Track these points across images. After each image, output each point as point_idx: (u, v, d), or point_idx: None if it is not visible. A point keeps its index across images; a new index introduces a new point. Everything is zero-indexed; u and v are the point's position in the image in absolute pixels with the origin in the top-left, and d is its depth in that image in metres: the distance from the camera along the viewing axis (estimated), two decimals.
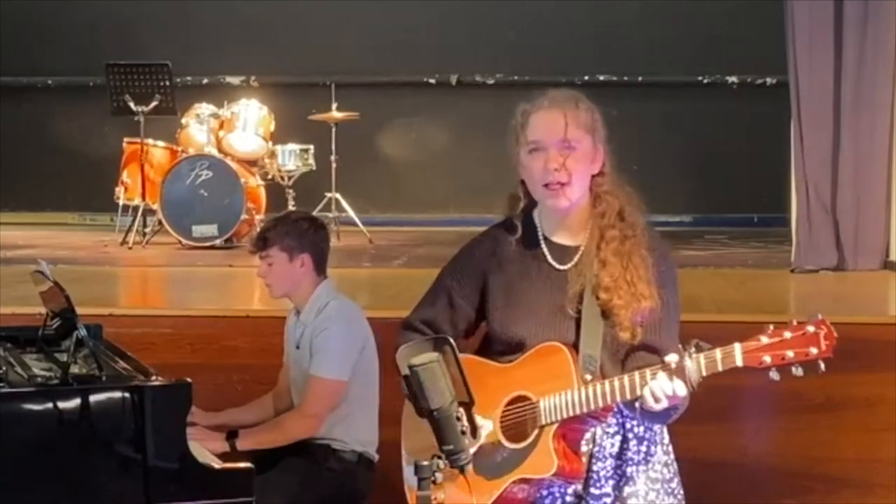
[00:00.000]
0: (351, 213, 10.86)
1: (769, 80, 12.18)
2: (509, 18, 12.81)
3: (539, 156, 3.67)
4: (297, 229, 5.26)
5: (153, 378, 4.21)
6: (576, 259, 3.71)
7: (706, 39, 12.51)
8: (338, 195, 10.84)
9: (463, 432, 3.18)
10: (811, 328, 3.33)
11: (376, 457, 5.27)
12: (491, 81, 12.93)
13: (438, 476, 3.16)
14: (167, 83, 10.61)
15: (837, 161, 8.36)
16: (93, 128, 12.54)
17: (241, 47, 12.74)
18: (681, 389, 3.40)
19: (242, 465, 4.27)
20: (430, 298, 3.91)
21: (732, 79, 12.68)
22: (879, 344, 5.96)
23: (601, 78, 12.46)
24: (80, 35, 12.96)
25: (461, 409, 3.19)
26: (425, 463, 3.15)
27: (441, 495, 3.17)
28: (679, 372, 3.40)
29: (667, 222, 11.98)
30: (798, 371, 3.31)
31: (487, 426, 3.65)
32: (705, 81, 12.69)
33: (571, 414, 3.55)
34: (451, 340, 3.25)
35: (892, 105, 8.33)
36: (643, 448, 3.73)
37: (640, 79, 12.64)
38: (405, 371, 3.21)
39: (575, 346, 3.63)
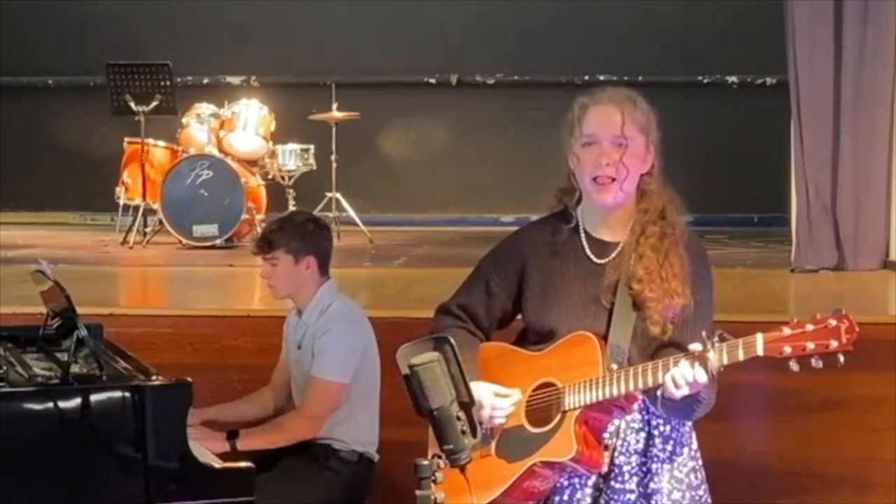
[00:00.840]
0: (351, 212, 10.87)
1: (769, 80, 12.18)
2: (509, 18, 12.80)
3: (593, 149, 3.70)
4: (302, 231, 5.26)
5: (153, 378, 4.22)
6: (614, 254, 3.75)
7: (706, 39, 12.51)
8: (338, 195, 10.85)
9: (463, 432, 3.18)
10: (833, 321, 3.35)
11: (377, 457, 5.28)
12: (491, 81, 12.93)
13: (438, 475, 3.16)
14: (168, 83, 10.62)
15: (837, 161, 8.37)
16: (93, 127, 12.55)
17: (241, 47, 12.74)
18: (701, 376, 3.43)
19: (243, 464, 4.28)
20: (468, 285, 3.94)
21: (732, 78, 12.69)
22: (879, 343, 5.95)
23: (601, 78, 12.42)
24: (80, 35, 12.95)
25: (461, 409, 3.20)
26: (425, 462, 3.15)
27: (441, 495, 3.17)
28: (701, 359, 3.43)
29: None
30: (818, 363, 3.34)
31: (515, 397, 3.70)
32: (705, 81, 12.69)
33: (594, 400, 3.58)
34: (452, 340, 3.24)
35: (892, 105, 8.34)
36: (668, 447, 3.75)
37: (640, 79, 12.61)
38: (405, 371, 3.21)
39: (605, 337, 3.67)
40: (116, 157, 10.94)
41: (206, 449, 4.47)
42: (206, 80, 12.67)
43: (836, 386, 5.94)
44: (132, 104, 10.51)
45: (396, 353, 3.40)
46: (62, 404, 4.03)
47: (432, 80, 13.04)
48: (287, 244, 5.20)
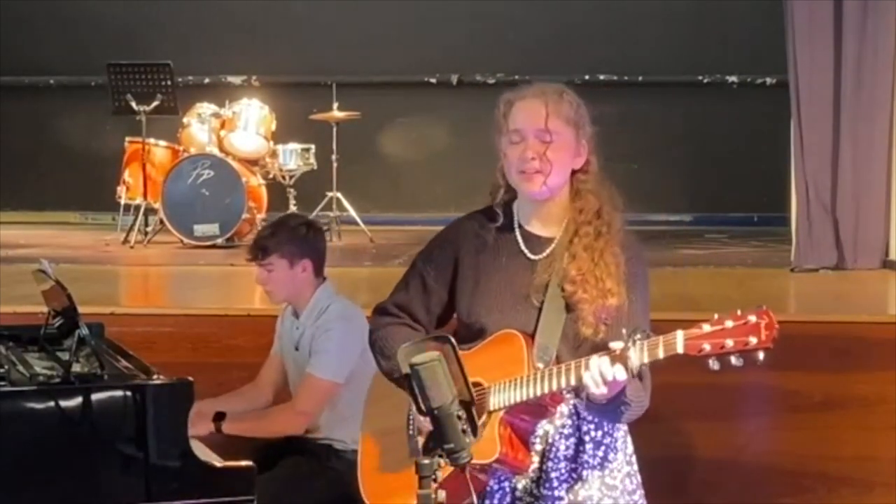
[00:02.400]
0: (352, 212, 10.87)
1: (769, 80, 12.18)
2: (509, 18, 12.81)
3: (519, 145, 3.65)
4: (296, 235, 5.27)
5: (155, 377, 4.23)
6: (548, 250, 3.69)
7: (706, 39, 12.52)
8: (339, 194, 10.85)
9: (464, 431, 3.16)
10: (753, 318, 3.24)
11: None
12: (491, 81, 12.93)
13: (439, 474, 3.16)
14: (169, 83, 10.63)
15: (837, 160, 8.37)
16: (95, 127, 12.55)
17: (242, 47, 12.76)
18: (620, 374, 3.33)
19: (244, 463, 4.27)
20: (403, 283, 3.87)
21: (732, 78, 12.69)
22: (878, 343, 5.97)
23: (601, 77, 12.47)
24: (81, 35, 12.96)
25: (462, 408, 3.20)
26: (426, 461, 3.16)
27: (442, 493, 3.18)
28: (621, 357, 3.34)
29: (667, 221, 12.01)
30: (738, 361, 3.23)
31: None
32: (705, 81, 12.69)
33: (518, 399, 3.51)
34: (452, 339, 3.22)
35: (891, 104, 8.35)
36: (599, 453, 3.67)
37: (640, 78, 12.65)
38: (406, 370, 3.20)
39: (533, 336, 3.60)
40: (118, 157, 10.95)
41: (206, 448, 4.48)
42: (207, 80, 12.68)
43: (835, 385, 5.95)
44: (133, 104, 10.53)
45: (397, 352, 3.39)
46: (63, 403, 4.04)
47: (433, 80, 13.06)
48: (281, 249, 5.21)
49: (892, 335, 5.96)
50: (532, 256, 3.70)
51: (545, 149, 3.62)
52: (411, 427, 3.75)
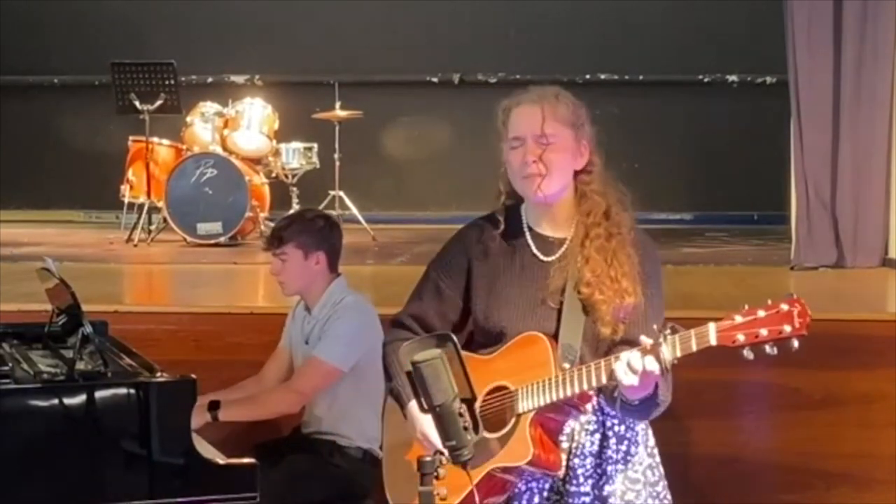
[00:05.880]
0: (354, 210, 10.88)
1: (769, 79, 12.18)
2: (511, 17, 12.82)
3: (519, 150, 3.67)
4: (312, 227, 5.31)
5: (158, 374, 4.22)
6: (560, 252, 3.71)
7: (706, 38, 12.51)
8: (341, 193, 10.86)
9: (465, 428, 3.17)
10: (785, 306, 3.28)
11: (381, 453, 5.30)
12: (493, 80, 12.94)
13: (441, 472, 3.19)
14: (172, 82, 10.65)
15: (837, 159, 8.38)
16: (98, 126, 12.56)
17: (245, 46, 12.76)
18: (651, 365, 3.35)
19: (247, 460, 4.25)
20: (417, 293, 3.89)
21: (733, 77, 12.69)
22: (878, 340, 5.98)
23: (602, 77, 12.48)
24: (85, 34, 12.98)
25: (463, 406, 3.21)
26: (428, 459, 3.18)
27: (443, 490, 3.20)
28: (653, 351, 3.37)
29: (667, 220, 12.03)
30: (773, 350, 3.28)
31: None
32: (705, 80, 12.69)
33: (548, 401, 3.53)
34: (454, 337, 3.23)
35: (891, 103, 8.35)
36: (623, 447, 3.70)
37: (640, 78, 12.66)
38: (408, 367, 3.22)
39: (555, 337, 3.62)
40: (121, 156, 10.96)
41: (209, 445, 4.50)
42: (210, 79, 12.70)
43: (835, 383, 5.96)
44: (137, 103, 10.54)
45: (399, 350, 3.41)
46: (67, 401, 4.03)
47: (435, 79, 13.07)
48: (297, 239, 5.25)
49: (891, 333, 5.97)
50: (544, 258, 3.72)
51: (543, 151, 3.64)
52: None
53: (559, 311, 3.65)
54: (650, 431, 3.79)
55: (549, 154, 3.64)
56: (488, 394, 3.64)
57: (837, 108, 8.36)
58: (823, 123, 8.39)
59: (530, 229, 3.76)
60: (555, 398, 3.54)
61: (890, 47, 8.31)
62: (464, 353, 3.68)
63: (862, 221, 8.40)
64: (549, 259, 3.72)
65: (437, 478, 3.17)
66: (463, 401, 3.20)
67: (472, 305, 3.79)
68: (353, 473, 5.21)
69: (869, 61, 8.32)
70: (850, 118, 8.34)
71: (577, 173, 3.73)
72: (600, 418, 3.70)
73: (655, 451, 3.80)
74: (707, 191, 12.40)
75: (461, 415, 3.18)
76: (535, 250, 3.74)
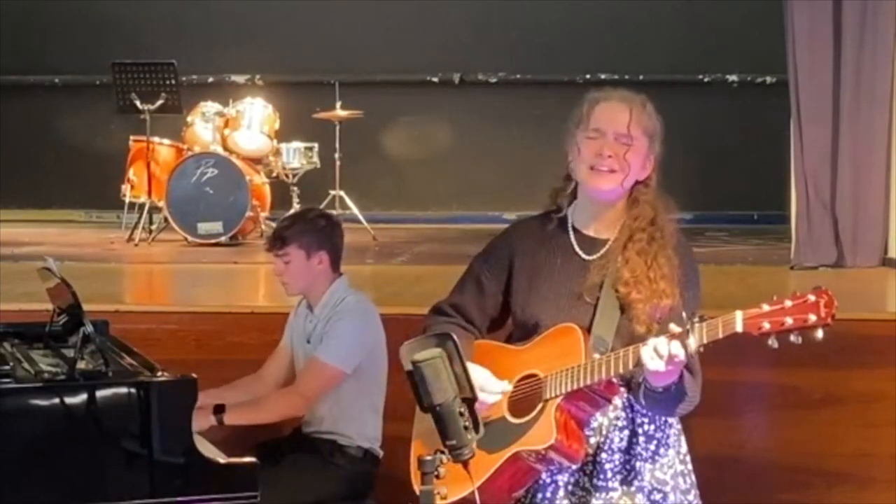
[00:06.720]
0: (354, 210, 10.88)
1: (769, 79, 12.19)
2: (512, 17, 12.82)
3: (596, 142, 3.72)
4: (314, 227, 5.31)
5: (159, 374, 4.23)
6: (602, 251, 3.77)
7: (706, 38, 12.51)
8: (341, 192, 10.86)
9: (466, 427, 3.19)
10: (811, 297, 3.32)
11: (381, 453, 5.31)
12: (493, 80, 12.96)
13: (442, 471, 3.19)
14: (173, 82, 10.66)
15: (837, 159, 8.39)
16: (99, 126, 12.57)
17: (245, 46, 12.76)
18: (676, 349, 3.39)
19: (247, 459, 4.26)
20: (460, 284, 3.96)
21: (733, 77, 12.70)
22: (878, 340, 5.99)
23: (602, 76, 12.45)
24: (86, 34, 12.97)
25: (464, 405, 3.23)
26: (429, 458, 3.19)
27: (444, 489, 3.21)
28: (679, 336, 3.41)
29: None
30: (797, 339, 3.30)
31: (503, 386, 3.71)
32: (705, 80, 12.70)
33: (574, 386, 3.58)
34: (455, 337, 3.26)
35: (890, 103, 8.36)
36: (651, 446, 3.74)
37: (640, 77, 12.63)
38: (408, 367, 3.23)
39: (588, 330, 3.67)
40: (122, 156, 10.96)
41: (210, 444, 4.50)
42: (210, 79, 12.71)
43: (835, 382, 5.97)
44: (138, 103, 10.56)
45: (399, 349, 3.41)
46: (68, 400, 4.05)
47: (435, 79, 13.07)
48: (299, 239, 5.25)
49: (891, 332, 5.99)
50: (586, 257, 3.78)
51: (625, 151, 3.71)
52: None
53: (595, 307, 3.71)
54: (683, 438, 3.84)
55: (627, 155, 3.70)
56: (519, 381, 3.72)
57: (837, 107, 8.37)
58: (823, 123, 8.39)
59: (574, 230, 3.82)
60: (581, 384, 3.58)
61: (890, 47, 8.32)
62: (498, 343, 3.82)
63: (862, 221, 8.41)
64: (591, 258, 3.78)
65: (437, 477, 3.18)
66: (463, 400, 3.21)
67: (511, 300, 3.85)
68: (354, 473, 5.22)
69: (869, 61, 8.32)
70: (850, 118, 8.35)
71: (635, 182, 3.78)
72: (630, 415, 3.74)
73: (688, 458, 3.85)
74: (707, 190, 12.37)
75: (461, 414, 3.20)
76: (577, 248, 3.80)
